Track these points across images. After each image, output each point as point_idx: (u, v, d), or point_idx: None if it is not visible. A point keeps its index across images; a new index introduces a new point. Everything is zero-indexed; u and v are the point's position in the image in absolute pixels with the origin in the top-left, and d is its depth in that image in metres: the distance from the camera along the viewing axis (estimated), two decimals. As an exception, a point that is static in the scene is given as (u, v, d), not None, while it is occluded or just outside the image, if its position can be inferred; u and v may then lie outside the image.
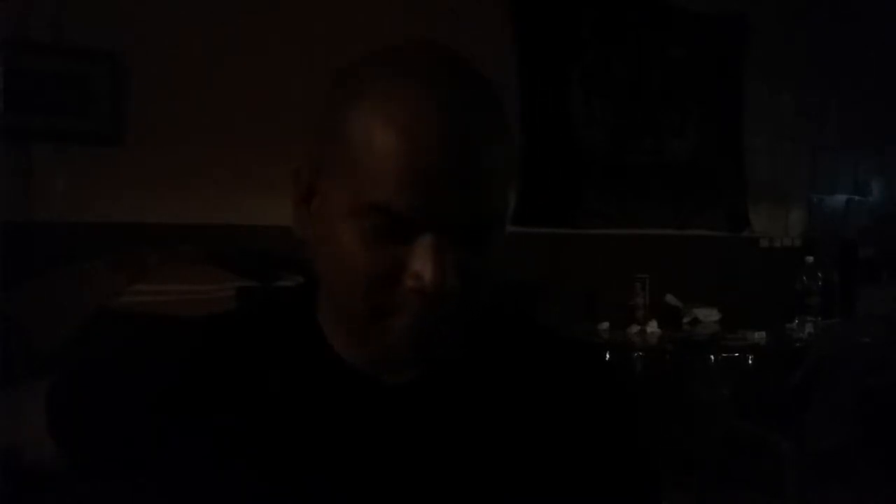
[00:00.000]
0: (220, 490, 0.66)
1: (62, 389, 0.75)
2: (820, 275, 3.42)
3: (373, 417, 0.66)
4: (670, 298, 3.32)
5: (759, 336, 2.94)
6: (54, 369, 0.78)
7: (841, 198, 4.30)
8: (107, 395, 0.72)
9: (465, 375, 0.67)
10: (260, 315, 0.74)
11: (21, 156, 2.17)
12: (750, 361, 2.75)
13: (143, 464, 0.70)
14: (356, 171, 0.58)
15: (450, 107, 0.58)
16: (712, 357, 2.76)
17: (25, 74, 2.12)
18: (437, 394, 0.67)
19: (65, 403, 0.74)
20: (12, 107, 1.88)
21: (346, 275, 0.60)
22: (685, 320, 3.29)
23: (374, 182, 0.57)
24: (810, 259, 3.43)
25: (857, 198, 4.34)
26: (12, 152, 2.14)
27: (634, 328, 3.11)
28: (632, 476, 0.70)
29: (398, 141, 0.57)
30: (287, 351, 0.69)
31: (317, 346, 0.68)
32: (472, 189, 0.58)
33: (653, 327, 3.12)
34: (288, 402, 0.67)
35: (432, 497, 0.64)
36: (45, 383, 0.76)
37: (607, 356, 0.67)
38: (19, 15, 2.14)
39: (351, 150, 0.59)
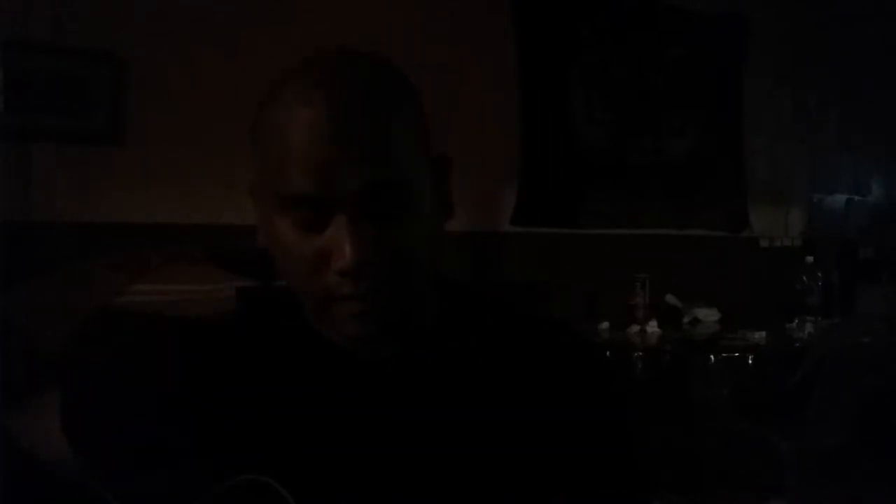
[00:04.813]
0: (225, 461, 0.70)
1: (77, 390, 0.80)
2: (820, 275, 3.42)
3: (355, 391, 0.72)
4: (670, 298, 3.32)
5: (759, 336, 2.93)
6: (60, 369, 0.81)
7: (841, 198, 4.30)
8: (121, 392, 0.77)
9: (439, 348, 0.73)
10: (257, 312, 0.83)
11: (21, 156, 2.17)
12: (750, 361, 2.75)
13: (157, 450, 0.74)
14: (273, 170, 0.65)
15: (326, 97, 0.63)
16: (712, 357, 2.76)
17: (25, 74, 2.12)
18: (413, 366, 0.72)
19: (79, 403, 0.78)
20: (12, 107, 1.87)
21: (288, 269, 0.67)
22: (685, 320, 3.28)
23: (282, 175, 0.64)
24: (810, 259, 3.43)
25: (857, 198, 4.34)
26: (12, 152, 2.13)
27: (634, 328, 3.11)
28: (603, 442, 0.74)
29: (286, 134, 0.63)
30: (282, 340, 0.76)
31: (306, 332, 0.73)
32: (357, 159, 0.63)
33: (653, 327, 3.11)
34: (284, 382, 0.74)
35: (409, 465, 0.69)
36: (57, 385, 0.80)
37: (575, 330, 0.73)
38: (19, 15, 2.14)
39: (267, 154, 0.66)
